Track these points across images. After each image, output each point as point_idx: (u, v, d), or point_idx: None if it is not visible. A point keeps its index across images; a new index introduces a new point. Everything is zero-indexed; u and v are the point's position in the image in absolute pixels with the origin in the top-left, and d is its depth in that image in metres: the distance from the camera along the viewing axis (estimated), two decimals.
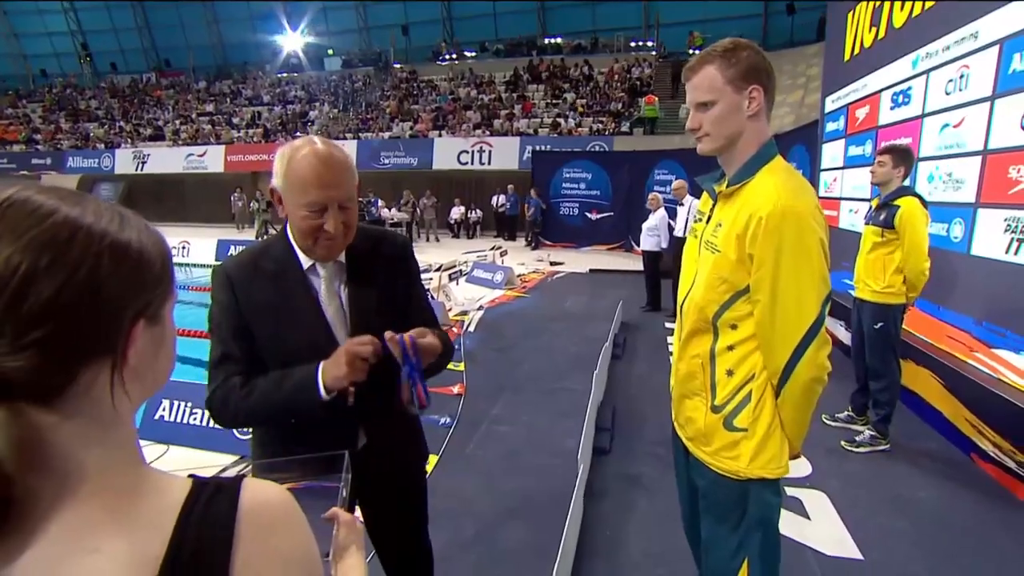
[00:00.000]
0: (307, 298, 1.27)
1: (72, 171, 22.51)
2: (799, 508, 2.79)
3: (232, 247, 12.59)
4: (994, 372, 3.38)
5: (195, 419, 3.52)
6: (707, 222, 1.38)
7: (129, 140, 23.27)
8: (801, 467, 3.17)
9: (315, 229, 1.19)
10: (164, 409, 3.57)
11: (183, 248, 13.07)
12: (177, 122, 24.09)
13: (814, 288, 1.20)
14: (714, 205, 1.37)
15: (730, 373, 1.32)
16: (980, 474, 3.16)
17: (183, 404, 3.56)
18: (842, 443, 3.44)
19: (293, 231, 1.26)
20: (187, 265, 12.67)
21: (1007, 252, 3.36)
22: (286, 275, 1.27)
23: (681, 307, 1.45)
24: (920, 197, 3.15)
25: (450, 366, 5.12)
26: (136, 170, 21.75)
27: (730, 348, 1.31)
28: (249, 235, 15.76)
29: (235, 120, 23.56)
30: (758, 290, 1.23)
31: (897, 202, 3.14)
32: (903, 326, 3.38)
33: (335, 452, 1.02)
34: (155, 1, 27.96)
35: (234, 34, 28.53)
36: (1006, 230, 3.38)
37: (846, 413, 3.73)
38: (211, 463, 3.30)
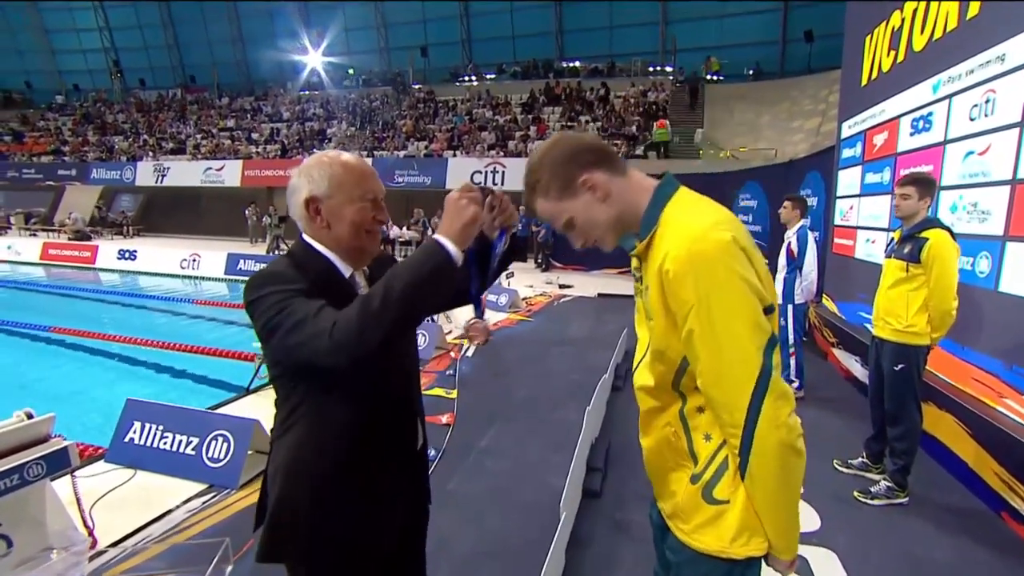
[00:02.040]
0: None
1: (95, 182, 23.01)
2: (805, 568, 2.52)
3: (242, 261, 12.62)
4: None
5: (165, 444, 3.34)
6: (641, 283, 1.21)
7: (151, 153, 23.75)
8: (809, 520, 2.89)
9: (370, 220, 1.25)
10: (135, 432, 3.41)
11: (193, 261, 13.14)
12: (199, 136, 24.57)
13: (749, 335, 1.01)
14: (638, 268, 1.21)
15: (708, 438, 1.13)
16: (1011, 535, 2.85)
17: (154, 427, 3.40)
18: (855, 493, 3.15)
19: (342, 233, 1.24)
20: (196, 278, 12.72)
21: None
22: (336, 284, 1.25)
23: (633, 374, 1.28)
24: (949, 229, 2.89)
25: (442, 393, 4.95)
26: (156, 182, 22.12)
27: (700, 410, 1.13)
28: (260, 249, 15.84)
29: (255, 136, 23.96)
30: (690, 350, 1.06)
31: (924, 234, 2.88)
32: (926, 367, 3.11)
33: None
34: (184, 3, 28.70)
35: (258, 53, 29.27)
36: None
37: (860, 460, 3.44)
38: (178, 491, 3.12)
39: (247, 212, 18.86)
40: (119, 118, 27.43)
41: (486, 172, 18.07)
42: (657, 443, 1.22)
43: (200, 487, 3.15)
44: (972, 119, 3.80)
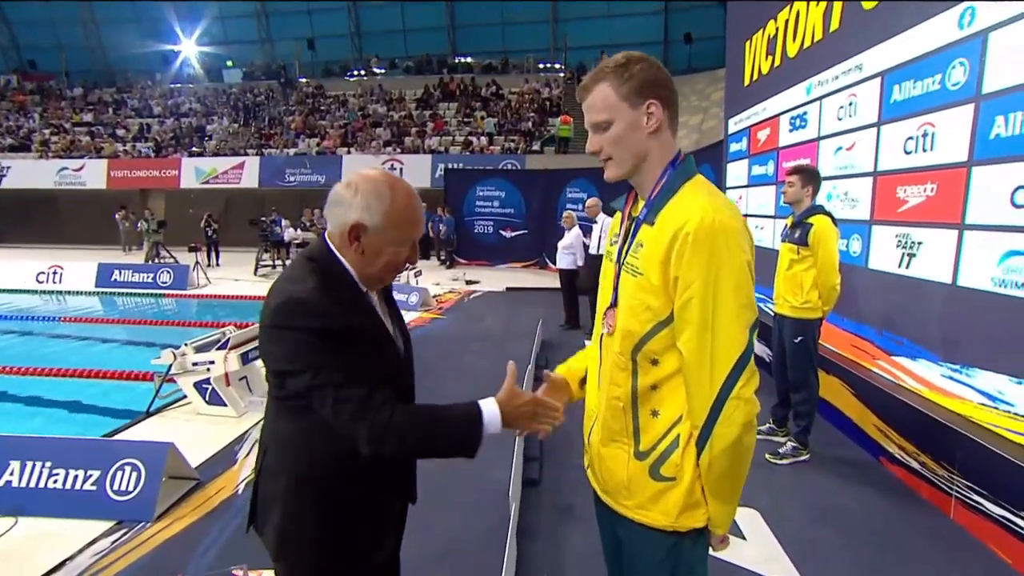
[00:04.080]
0: (379, 321, 1.28)
1: None
2: (735, 528, 2.75)
3: (116, 271, 11.29)
4: (895, 379, 3.59)
5: (55, 482, 2.93)
6: (626, 243, 1.23)
7: None
8: None
9: (403, 262, 1.25)
10: (12, 473, 2.94)
11: (54, 273, 11.53)
12: (47, 131, 21.55)
13: (742, 314, 1.08)
14: (633, 228, 1.22)
15: (655, 414, 1.17)
16: (889, 476, 3.33)
17: (39, 464, 2.96)
18: (766, 456, 3.50)
19: (372, 267, 1.23)
20: (60, 293, 11.19)
21: (899, 266, 3.61)
22: (360, 299, 1.24)
23: (601, 339, 1.29)
24: (831, 215, 3.30)
25: None
26: None
27: (653, 387, 1.17)
28: (137, 258, 14.25)
29: (120, 132, 21.48)
30: (684, 315, 1.09)
31: (810, 220, 3.27)
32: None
33: None
34: None
35: (117, 38, 26.14)
36: (897, 245, 3.63)
37: (767, 426, 3.82)
38: (78, 534, 2.76)
39: (118, 217, 16.89)
40: None
41: (384, 169, 17.58)
42: (608, 413, 1.24)
43: (106, 525, 2.81)
44: (839, 119, 4.33)
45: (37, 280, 11.48)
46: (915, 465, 3.17)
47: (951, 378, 3.19)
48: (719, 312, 1.07)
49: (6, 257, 13.94)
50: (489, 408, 1.16)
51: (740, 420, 1.08)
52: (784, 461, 3.44)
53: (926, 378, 3.37)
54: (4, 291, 11.25)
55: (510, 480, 2.82)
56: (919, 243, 3.44)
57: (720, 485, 1.13)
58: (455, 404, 1.19)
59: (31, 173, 19.14)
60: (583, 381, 1.45)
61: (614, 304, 1.23)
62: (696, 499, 1.15)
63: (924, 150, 3.38)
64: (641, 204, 1.22)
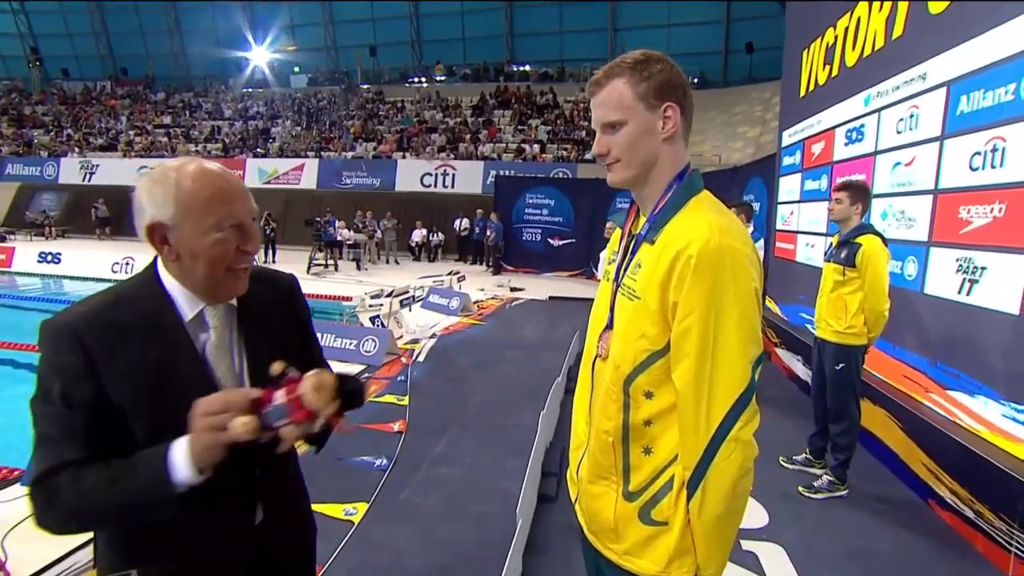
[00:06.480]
0: (191, 359, 1.01)
1: (10, 178, 21.42)
2: (755, 564, 2.59)
3: None
4: (950, 415, 3.29)
5: None
6: (624, 262, 1.14)
7: (78, 149, 22.25)
8: (758, 516, 2.99)
9: (231, 253, 0.99)
10: None
11: (127, 264, 12.36)
12: (131, 132, 23.21)
13: (744, 349, 0.98)
14: (633, 245, 1.13)
15: (648, 451, 1.08)
16: (938, 522, 3.04)
17: None
18: (799, 488, 3.28)
19: (194, 270, 1.00)
20: None
21: (959, 292, 3.31)
22: (161, 331, 0.99)
23: (593, 365, 1.19)
24: (881, 235, 3.07)
25: (393, 400, 4.85)
26: (83, 180, 20.80)
27: (647, 423, 1.07)
28: None
29: (193, 134, 22.88)
30: (681, 346, 0.99)
31: (858, 240, 3.05)
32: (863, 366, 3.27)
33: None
34: (115, 1, 27.13)
35: (197, 46, 28.01)
36: (958, 270, 3.34)
37: (804, 456, 3.59)
38: None
39: None
40: (38, 110, 25.58)
41: (436, 174, 17.95)
42: (598, 448, 1.15)
43: None
44: (899, 132, 4.04)
45: (112, 270, 12.32)
46: (969, 513, 2.88)
47: (1015, 419, 2.89)
48: (720, 344, 0.97)
49: (87, 247, 15.04)
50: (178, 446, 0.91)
51: (736, 465, 0.99)
52: (819, 495, 3.21)
53: (985, 417, 3.07)
54: (83, 279, 12.15)
55: (520, 495, 2.76)
56: (982, 268, 3.14)
57: (710, 534, 1.03)
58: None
59: (116, 171, 20.60)
60: None
61: (609, 326, 1.14)
62: (688, 546, 1.05)
63: (992, 166, 3.09)
64: (643, 220, 1.13)
